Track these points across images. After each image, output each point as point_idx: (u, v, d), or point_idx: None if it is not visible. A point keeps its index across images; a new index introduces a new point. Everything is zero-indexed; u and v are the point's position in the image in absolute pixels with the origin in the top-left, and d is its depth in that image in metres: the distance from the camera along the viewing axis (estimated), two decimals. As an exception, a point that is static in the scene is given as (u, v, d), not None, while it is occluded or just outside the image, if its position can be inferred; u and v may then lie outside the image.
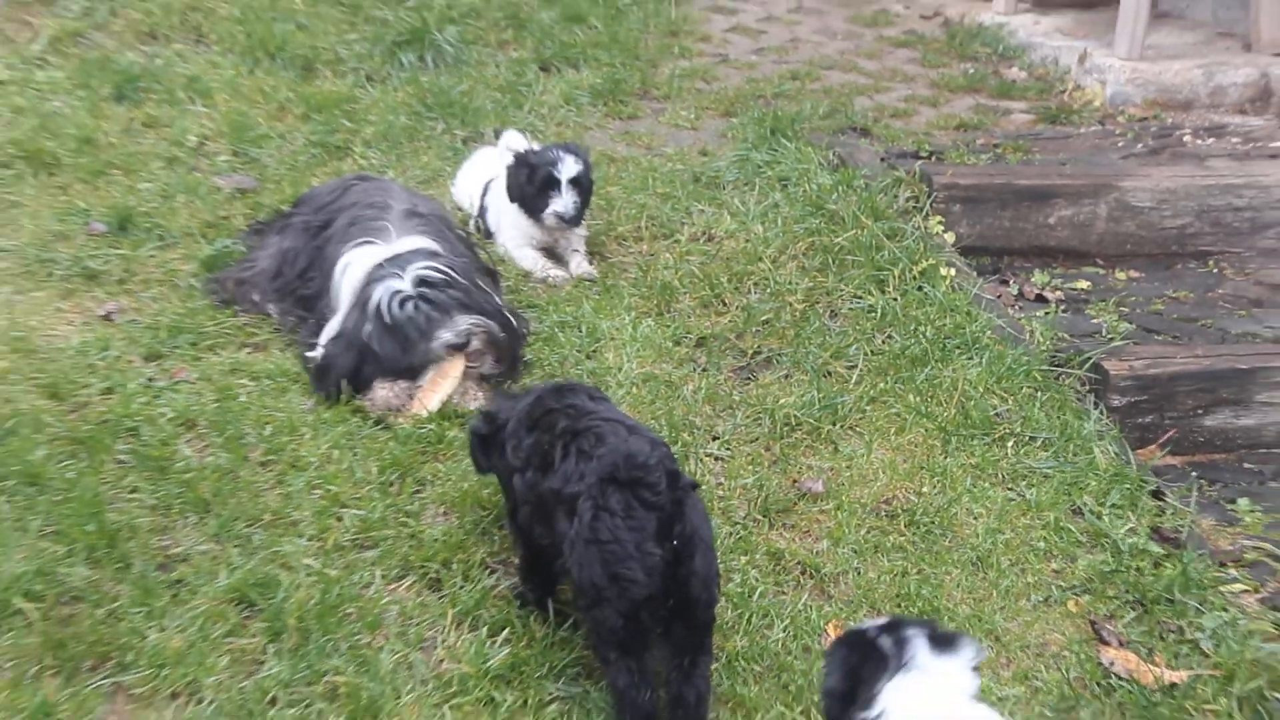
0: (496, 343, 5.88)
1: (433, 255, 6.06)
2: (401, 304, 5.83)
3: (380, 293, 5.86)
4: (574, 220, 6.95)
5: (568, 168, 6.89)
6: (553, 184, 6.89)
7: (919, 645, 3.85)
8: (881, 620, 4.02)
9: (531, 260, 7.11)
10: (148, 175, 7.34)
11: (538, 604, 4.79)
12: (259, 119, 8.03)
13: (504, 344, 5.98)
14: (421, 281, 5.88)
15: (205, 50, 8.68)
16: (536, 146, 7.44)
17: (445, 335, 5.82)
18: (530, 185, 6.91)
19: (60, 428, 5.45)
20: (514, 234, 7.16)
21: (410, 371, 5.89)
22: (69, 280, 6.50)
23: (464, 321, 5.86)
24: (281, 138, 7.93)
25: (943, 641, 3.87)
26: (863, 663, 3.89)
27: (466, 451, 5.50)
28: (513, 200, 7.00)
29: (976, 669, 3.89)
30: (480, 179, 7.43)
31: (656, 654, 4.38)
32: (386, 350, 5.82)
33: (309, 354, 6.04)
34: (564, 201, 6.90)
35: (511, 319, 6.20)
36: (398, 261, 6.00)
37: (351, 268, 6.16)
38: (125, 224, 6.90)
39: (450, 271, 5.98)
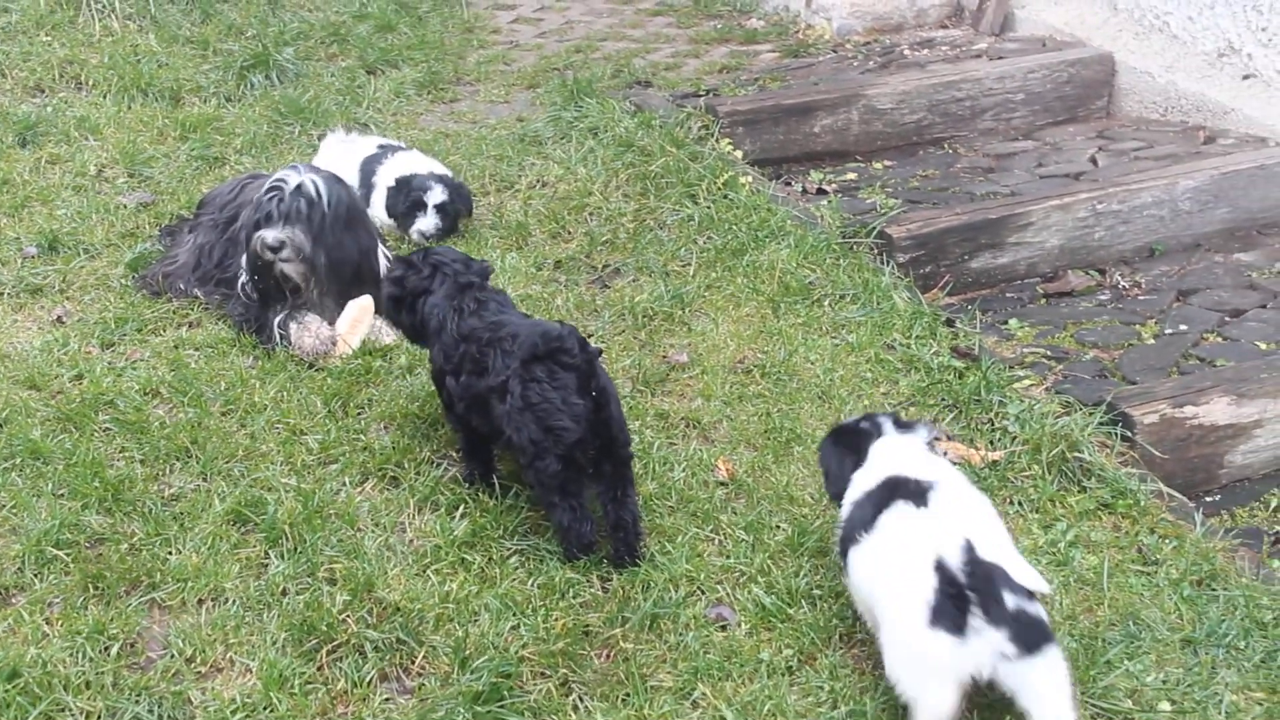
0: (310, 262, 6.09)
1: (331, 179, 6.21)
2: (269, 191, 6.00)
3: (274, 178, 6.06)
4: (437, 239, 6.90)
5: (434, 195, 6.95)
6: (420, 206, 6.95)
7: (888, 425, 4.45)
8: (858, 415, 4.67)
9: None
10: (62, 203, 7.25)
11: (483, 479, 4.97)
12: (145, 144, 7.96)
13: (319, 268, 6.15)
14: (296, 187, 6.02)
15: (86, 94, 8.56)
16: (357, 136, 7.62)
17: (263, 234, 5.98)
18: (403, 205, 6.99)
19: (47, 411, 5.44)
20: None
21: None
22: (17, 296, 6.42)
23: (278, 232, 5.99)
24: (166, 157, 7.87)
25: (904, 425, 4.47)
26: (851, 440, 4.48)
27: (393, 378, 5.63)
28: (389, 216, 7.07)
29: (930, 444, 4.43)
30: (345, 165, 7.30)
31: (591, 494, 4.64)
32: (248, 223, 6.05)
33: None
34: (428, 222, 6.96)
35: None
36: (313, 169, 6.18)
37: None
38: (54, 244, 6.82)
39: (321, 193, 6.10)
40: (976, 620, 3.70)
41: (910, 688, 3.88)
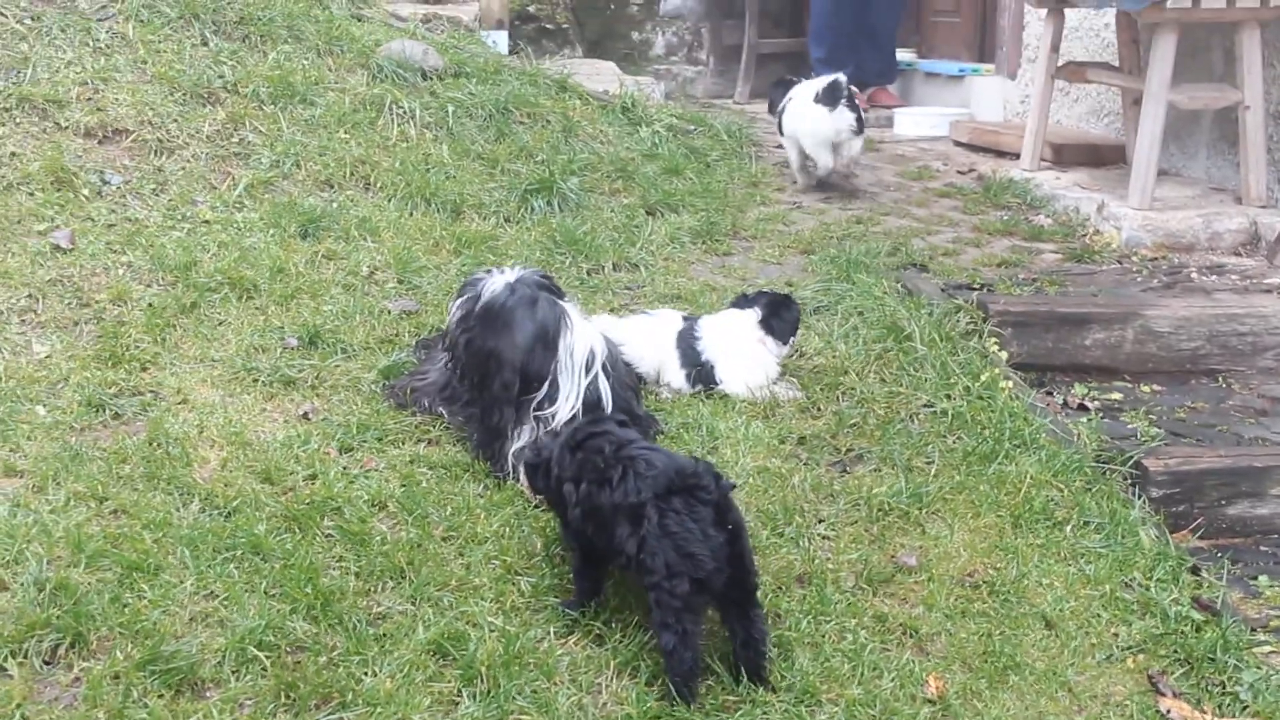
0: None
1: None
2: None
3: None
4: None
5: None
6: None
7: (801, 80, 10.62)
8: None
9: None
10: (330, 299, 7.45)
11: (582, 603, 5.15)
12: (419, 253, 8.14)
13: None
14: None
15: (372, 196, 8.80)
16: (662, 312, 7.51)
17: None
18: None
19: (275, 507, 5.55)
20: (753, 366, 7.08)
21: None
22: (270, 385, 6.60)
23: None
24: (437, 268, 8.04)
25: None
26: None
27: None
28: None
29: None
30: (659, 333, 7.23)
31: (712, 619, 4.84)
32: None
33: None
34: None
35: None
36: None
37: None
38: (314, 339, 7.01)
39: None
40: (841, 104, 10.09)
41: (814, 152, 10.53)
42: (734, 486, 4.84)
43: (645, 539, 4.65)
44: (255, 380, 6.64)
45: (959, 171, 11.99)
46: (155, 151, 8.60)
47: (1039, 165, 11.42)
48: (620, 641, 4.95)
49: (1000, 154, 12.37)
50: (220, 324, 7.13)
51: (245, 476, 5.80)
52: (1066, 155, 11.65)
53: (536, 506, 5.78)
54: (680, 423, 6.58)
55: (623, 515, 4.77)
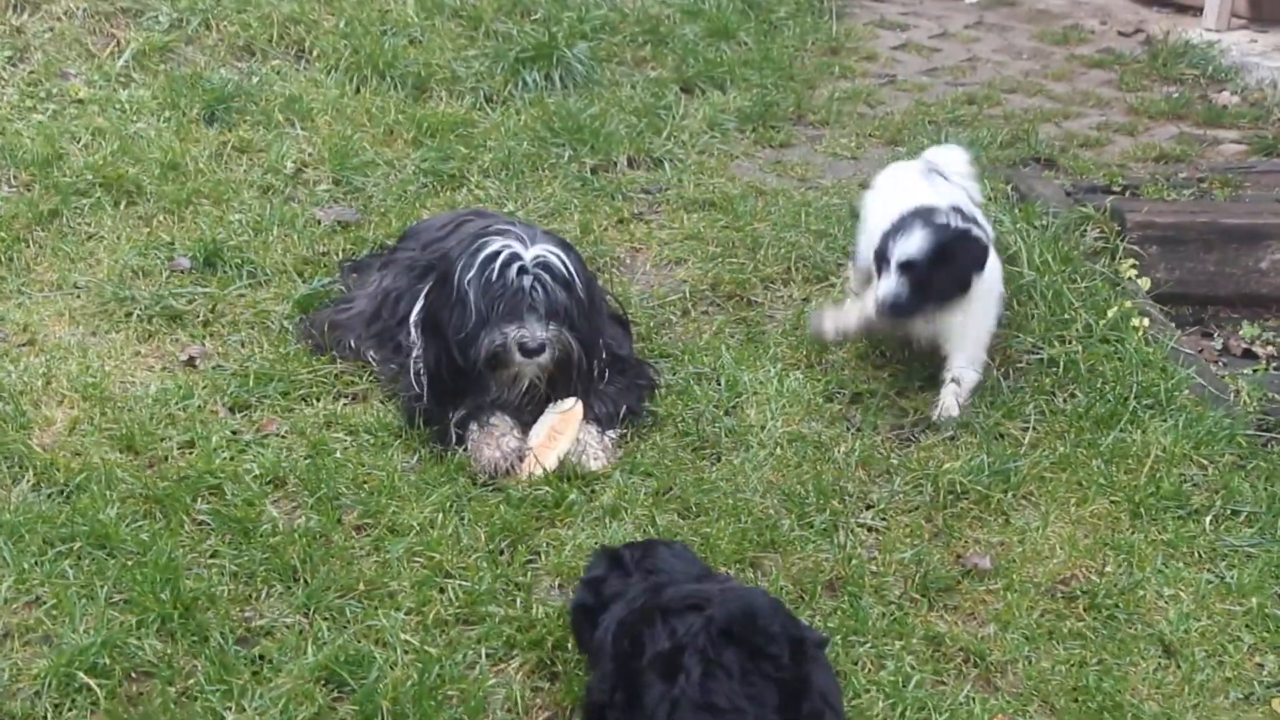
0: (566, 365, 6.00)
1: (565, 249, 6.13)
2: (518, 272, 5.88)
3: (498, 246, 5.92)
4: (892, 313, 6.25)
5: (902, 246, 6.26)
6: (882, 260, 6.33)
7: None
8: None
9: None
10: (239, 205, 7.43)
11: None
12: (364, 144, 8.12)
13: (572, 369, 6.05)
14: (543, 264, 5.93)
15: (306, 67, 8.78)
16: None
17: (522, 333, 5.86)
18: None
19: (135, 484, 5.55)
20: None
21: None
22: (149, 321, 6.60)
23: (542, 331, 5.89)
24: (389, 165, 8.01)
25: None
26: None
27: (589, 519, 5.53)
28: None
29: None
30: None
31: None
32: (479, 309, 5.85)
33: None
34: (886, 284, 6.28)
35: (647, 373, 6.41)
36: (531, 231, 6.11)
37: None
38: (213, 259, 7.00)
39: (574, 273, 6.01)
40: None
41: None
42: (826, 642, 4.25)
43: (674, 703, 4.01)
44: (129, 314, 6.64)
45: (1120, 33, 11.86)
46: (14, 6, 8.58)
47: (1229, 24, 11.26)
48: (579, 671, 4.86)
49: (1180, 8, 12.24)
50: (89, 239, 7.14)
51: (99, 443, 5.79)
52: (1268, 9, 11.47)
53: (485, 485, 5.74)
54: (693, 372, 6.53)
55: (654, 671, 4.13)
